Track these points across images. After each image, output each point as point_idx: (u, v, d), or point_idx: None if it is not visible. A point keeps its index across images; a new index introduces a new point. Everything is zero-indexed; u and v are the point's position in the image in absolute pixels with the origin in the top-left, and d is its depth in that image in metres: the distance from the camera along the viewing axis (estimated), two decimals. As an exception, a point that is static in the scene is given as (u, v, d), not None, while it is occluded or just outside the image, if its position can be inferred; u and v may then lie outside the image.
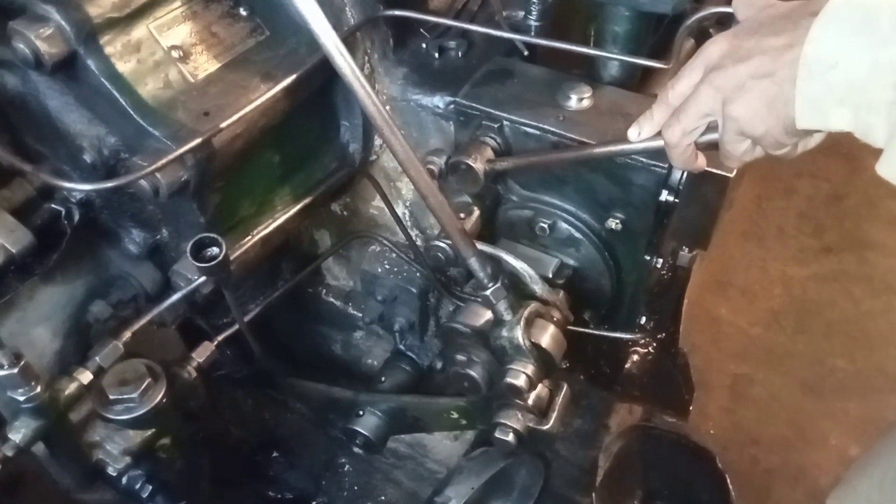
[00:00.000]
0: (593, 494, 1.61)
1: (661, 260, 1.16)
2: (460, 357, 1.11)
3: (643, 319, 1.30)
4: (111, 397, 1.01)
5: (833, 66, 0.68)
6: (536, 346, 1.01)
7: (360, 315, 1.57)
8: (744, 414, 2.21)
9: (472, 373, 1.08)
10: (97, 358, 0.94)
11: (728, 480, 1.58)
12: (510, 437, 1.07)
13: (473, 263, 0.96)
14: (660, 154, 1.04)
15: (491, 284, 0.98)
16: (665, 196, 1.05)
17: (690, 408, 1.45)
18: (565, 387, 1.08)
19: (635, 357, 1.51)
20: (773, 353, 2.37)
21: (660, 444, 1.71)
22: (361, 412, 1.43)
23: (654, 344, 1.49)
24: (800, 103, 0.71)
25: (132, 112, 0.94)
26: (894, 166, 0.67)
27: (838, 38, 0.67)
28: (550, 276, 1.16)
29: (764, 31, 0.74)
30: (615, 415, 1.80)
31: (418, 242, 1.37)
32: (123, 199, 1.05)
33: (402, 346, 1.54)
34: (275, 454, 2.06)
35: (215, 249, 0.86)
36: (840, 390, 2.26)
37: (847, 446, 2.11)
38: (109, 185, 0.85)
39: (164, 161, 0.86)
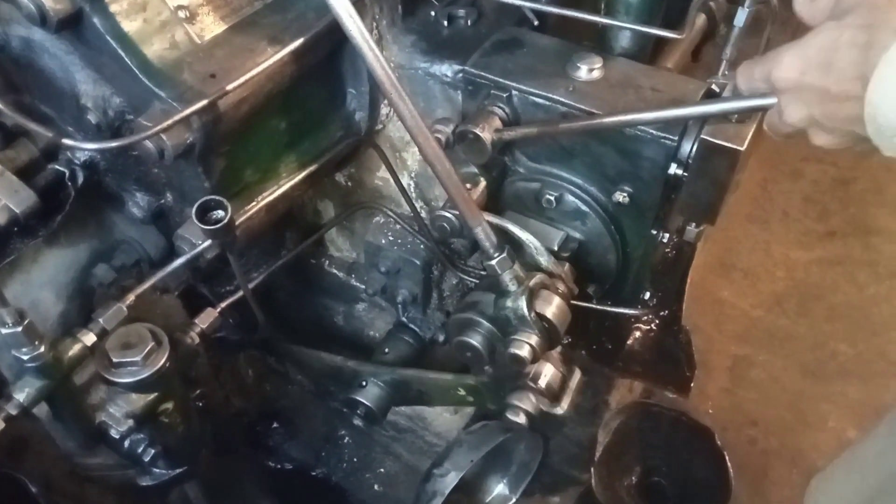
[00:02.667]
0: (592, 470, 1.62)
1: (667, 235, 1.15)
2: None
3: (647, 295, 1.29)
4: (114, 360, 1.01)
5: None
6: (541, 318, 1.01)
7: (363, 287, 1.57)
8: (743, 395, 2.22)
9: (474, 342, 1.07)
10: (101, 320, 0.94)
11: (727, 458, 1.59)
12: (522, 419, 1.07)
13: (479, 233, 0.95)
14: (670, 126, 1.03)
15: (496, 254, 0.98)
16: (674, 169, 1.04)
17: (692, 385, 1.45)
18: (578, 371, 1.08)
19: (637, 334, 1.51)
20: (775, 335, 2.37)
21: (659, 422, 1.72)
22: (364, 383, 1.43)
23: (657, 321, 1.49)
24: (880, 147, 0.70)
25: (138, 72, 0.92)
26: None
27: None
28: (556, 248, 1.15)
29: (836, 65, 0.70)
30: (615, 391, 1.81)
31: (423, 214, 1.36)
32: (128, 162, 1.04)
33: (404, 319, 1.54)
34: (275, 425, 2.08)
35: (221, 213, 0.86)
36: (840, 374, 2.27)
37: (845, 429, 2.12)
38: (114, 144, 0.85)
39: (169, 122, 0.85)
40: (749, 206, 2.74)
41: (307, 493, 1.98)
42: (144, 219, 1.10)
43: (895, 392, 2.12)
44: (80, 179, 1.01)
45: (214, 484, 1.64)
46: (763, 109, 0.84)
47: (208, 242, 0.99)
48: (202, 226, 0.84)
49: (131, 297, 0.97)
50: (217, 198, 0.85)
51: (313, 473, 2.02)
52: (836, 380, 2.25)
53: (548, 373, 1.12)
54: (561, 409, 1.05)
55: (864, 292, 2.45)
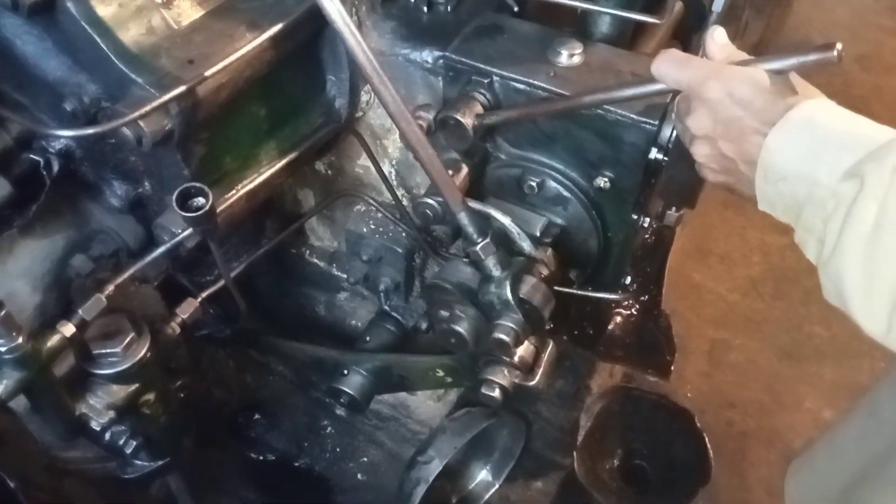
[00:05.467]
0: (574, 454, 1.64)
1: (648, 219, 1.16)
2: (445, 313, 1.11)
3: (628, 280, 1.30)
4: (94, 351, 0.99)
5: (783, 179, 0.75)
6: (525, 302, 1.01)
7: (345, 276, 1.56)
8: (721, 378, 2.25)
9: (459, 328, 1.08)
10: (80, 311, 0.93)
11: (706, 440, 1.62)
12: (496, 393, 1.07)
13: (463, 218, 0.96)
14: (650, 110, 1.04)
15: (480, 240, 0.98)
16: (654, 154, 1.05)
17: (672, 368, 1.47)
18: (551, 344, 1.09)
19: (618, 319, 1.52)
20: (751, 319, 2.41)
21: (640, 405, 1.74)
22: (346, 371, 1.43)
23: (638, 306, 1.51)
24: (758, 194, 0.80)
25: (114, 58, 0.91)
26: (828, 291, 0.75)
27: (788, 156, 0.74)
28: (538, 234, 1.16)
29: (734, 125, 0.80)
30: (597, 376, 1.83)
31: (404, 202, 1.36)
32: (105, 150, 1.02)
33: (386, 307, 1.53)
34: (257, 416, 2.07)
35: (201, 200, 0.85)
36: (816, 355, 2.31)
37: (821, 409, 2.17)
38: (90, 131, 0.83)
39: (147, 108, 0.84)
40: (725, 192, 2.75)
41: (290, 484, 1.98)
42: (122, 208, 1.09)
43: (869, 373, 2.17)
44: (56, 168, 0.99)
45: (197, 475, 1.63)
46: None
47: (188, 231, 0.98)
48: (183, 213, 0.83)
49: (110, 288, 0.95)
50: (198, 185, 0.84)
51: (296, 464, 2.02)
52: (811, 361, 2.29)
53: (520, 346, 1.12)
54: (535, 380, 1.06)
55: (838, 276, 2.49)
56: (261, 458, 2.03)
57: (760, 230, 2.68)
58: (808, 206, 0.74)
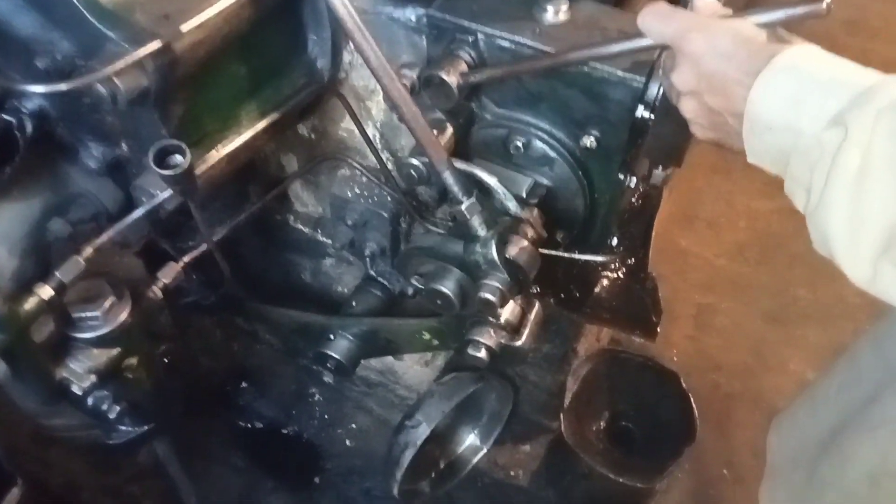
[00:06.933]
0: (562, 417, 1.65)
1: (634, 179, 1.15)
2: (428, 270, 1.10)
3: (615, 241, 1.30)
4: (74, 315, 0.98)
5: (768, 130, 0.74)
6: (510, 262, 1.00)
7: (330, 241, 1.55)
8: (707, 342, 2.27)
9: (445, 289, 1.07)
10: (57, 273, 0.91)
11: (692, 400, 1.63)
12: (482, 354, 1.07)
13: (448, 177, 0.94)
14: (637, 67, 1.03)
15: (465, 199, 0.97)
16: (641, 112, 1.04)
17: (658, 330, 1.47)
18: (537, 304, 1.09)
19: (605, 281, 1.52)
20: (737, 283, 2.42)
21: (627, 368, 1.75)
22: (332, 336, 1.43)
23: (624, 268, 1.51)
24: (746, 147, 0.78)
25: (87, 14, 0.88)
26: (816, 240, 0.74)
27: (772, 105, 0.73)
28: (524, 195, 1.15)
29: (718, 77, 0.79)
30: (583, 339, 1.84)
31: (389, 165, 1.34)
32: (81, 110, 1.00)
33: (372, 272, 1.53)
34: (244, 384, 2.07)
35: (179, 158, 0.83)
36: (801, 318, 2.33)
37: (805, 371, 2.19)
38: (63, 87, 0.81)
39: (122, 64, 0.82)
40: (712, 157, 2.77)
41: (278, 451, 1.99)
42: (100, 170, 1.06)
43: (853, 335, 2.16)
44: (30, 129, 0.97)
45: (184, 444, 1.63)
46: None
47: (168, 192, 0.96)
48: (160, 171, 0.81)
49: (89, 250, 0.94)
50: (175, 142, 0.82)
51: (284, 431, 2.02)
52: (796, 324, 2.31)
53: (507, 307, 1.12)
54: (521, 340, 1.06)
55: (823, 240, 2.50)
56: (249, 425, 2.03)
57: (747, 195, 2.68)
58: (794, 156, 0.73)
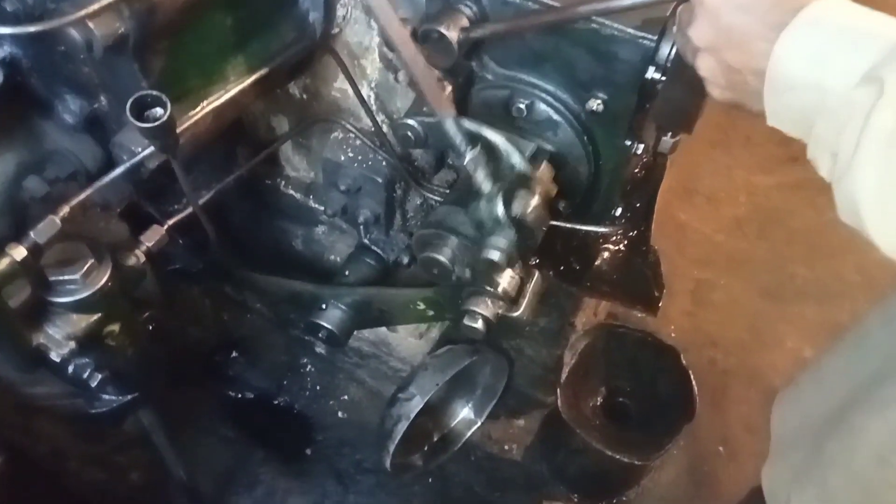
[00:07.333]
0: (558, 392, 1.62)
1: (641, 146, 1.10)
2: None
3: (618, 212, 1.25)
4: (51, 279, 0.93)
5: (791, 90, 0.68)
6: (517, 220, 0.95)
7: (322, 208, 1.49)
8: (704, 317, 2.24)
9: (441, 257, 1.02)
10: (32, 233, 0.86)
11: (691, 376, 1.60)
12: (479, 325, 1.03)
13: (450, 126, 0.88)
14: (648, 25, 0.97)
15: (469, 151, 0.91)
16: (651, 73, 0.98)
17: (660, 304, 1.43)
18: (537, 274, 1.04)
19: (605, 254, 1.48)
20: (736, 259, 2.39)
21: (624, 343, 1.72)
22: (325, 306, 1.38)
23: (626, 241, 1.46)
24: (766, 108, 0.72)
25: (58, -47, 0.81)
26: (842, 209, 0.67)
27: (796, 62, 0.67)
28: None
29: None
30: (581, 314, 1.80)
31: (384, 128, 1.28)
32: (55, 59, 0.93)
33: (366, 241, 1.47)
34: (234, 354, 2.03)
35: (159, 110, 0.77)
36: (798, 295, 2.30)
37: (802, 349, 2.17)
38: (32, 29, 0.74)
39: (96, 6, 0.75)
40: (712, 131, 2.72)
41: (269, 422, 1.96)
42: (77, 126, 1.00)
43: (850, 313, 2.17)
44: (0, 78, 0.91)
45: (172, 414, 1.59)
46: None
47: (149, 150, 0.90)
48: (138, 123, 0.76)
49: (65, 209, 0.88)
50: (154, 92, 0.76)
51: (275, 402, 1.99)
52: (793, 301, 2.29)
53: (505, 276, 1.07)
54: (520, 311, 1.02)
55: (823, 216, 2.46)
56: (239, 396, 2.00)
57: (747, 170, 2.64)
58: (820, 117, 0.67)
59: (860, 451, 0.97)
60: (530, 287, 1.03)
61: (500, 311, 1.03)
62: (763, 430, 1.33)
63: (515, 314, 1.02)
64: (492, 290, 1.01)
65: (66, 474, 1.69)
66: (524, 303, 1.02)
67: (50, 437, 1.65)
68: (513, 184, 0.94)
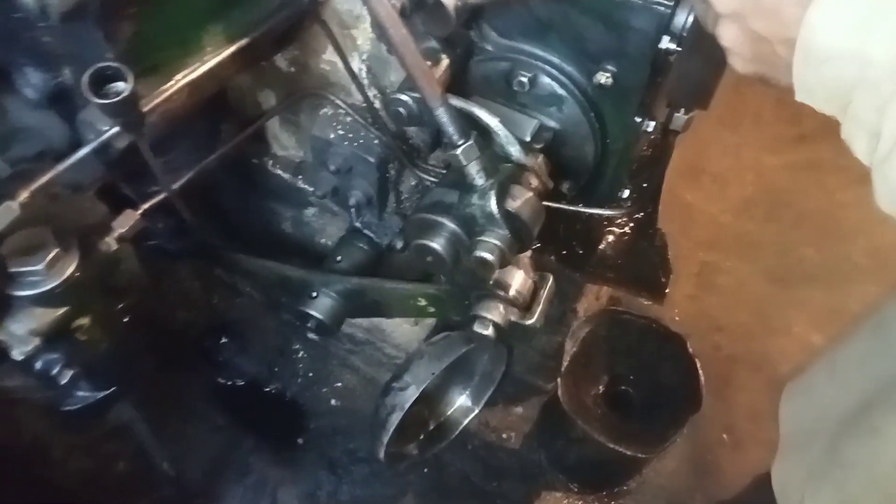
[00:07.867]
0: (559, 380, 1.55)
1: (652, 123, 1.02)
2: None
3: (626, 194, 1.18)
4: (12, 269, 0.85)
5: (827, 61, 0.61)
6: (511, 216, 0.88)
7: (312, 189, 1.41)
8: (710, 301, 2.18)
9: (436, 245, 0.95)
10: (-14, 220, 0.78)
11: (698, 365, 1.54)
12: (490, 332, 0.95)
13: (441, 115, 0.81)
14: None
15: (462, 141, 0.83)
16: (666, 43, 0.90)
17: (667, 291, 1.36)
18: (551, 279, 0.96)
19: (610, 238, 1.40)
20: (742, 241, 2.32)
21: (628, 330, 1.65)
22: (315, 293, 1.31)
23: (632, 224, 1.39)
24: (795, 81, 0.65)
25: None
26: (882, 195, 0.61)
27: (834, 30, 0.60)
28: (528, 139, 1.02)
29: None
30: (583, 299, 1.73)
31: (376, 104, 1.20)
32: (11, 27, 0.84)
33: (358, 224, 1.40)
34: (224, 339, 1.97)
35: (121, 84, 0.69)
36: (806, 279, 2.24)
37: (809, 334, 2.11)
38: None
39: (48, -35, 0.67)
40: (721, 108, 2.63)
41: (260, 409, 1.90)
42: (40, 101, 0.92)
43: (859, 298, 2.09)
44: (-50, 49, 0.82)
45: (160, 401, 1.53)
46: None
47: (116, 128, 0.82)
48: (96, 100, 0.68)
49: (24, 194, 0.81)
50: (115, 64, 0.68)
51: (266, 389, 1.94)
52: (801, 285, 2.22)
53: (518, 280, 1.01)
54: (533, 319, 0.95)
55: (833, 198, 2.39)
56: (229, 382, 1.95)
57: (756, 149, 2.56)
58: (858, 91, 0.60)
59: (883, 455, 0.91)
60: (544, 293, 0.96)
61: (512, 318, 0.95)
62: (769, 419, 1.27)
63: (529, 322, 0.95)
64: (503, 293, 0.94)
65: (51, 463, 1.63)
66: (538, 310, 0.95)
67: (32, 426, 1.59)
68: (508, 176, 0.87)
